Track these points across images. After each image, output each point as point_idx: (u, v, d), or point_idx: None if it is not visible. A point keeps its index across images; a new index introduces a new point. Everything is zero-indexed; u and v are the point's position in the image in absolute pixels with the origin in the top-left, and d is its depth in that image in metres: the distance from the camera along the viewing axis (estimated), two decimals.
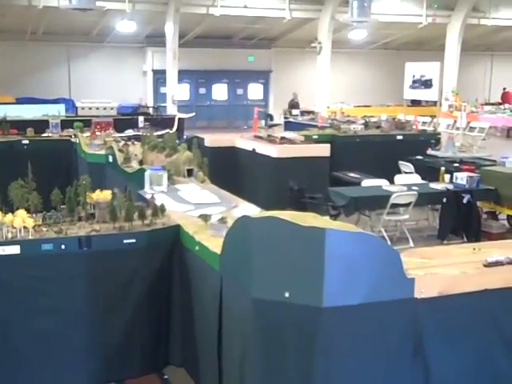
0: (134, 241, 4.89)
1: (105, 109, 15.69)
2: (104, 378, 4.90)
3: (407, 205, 8.55)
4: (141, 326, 4.98)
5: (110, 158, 8.69)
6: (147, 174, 6.70)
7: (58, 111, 14.70)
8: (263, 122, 21.74)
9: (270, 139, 10.83)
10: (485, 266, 3.99)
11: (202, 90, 26.96)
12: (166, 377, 5.08)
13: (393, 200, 8.27)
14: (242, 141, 11.20)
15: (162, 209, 5.39)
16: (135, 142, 9.52)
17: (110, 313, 4.85)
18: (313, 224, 3.58)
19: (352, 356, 3.61)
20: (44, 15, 21.07)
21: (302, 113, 19.22)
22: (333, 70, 24.57)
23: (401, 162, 10.89)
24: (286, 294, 3.59)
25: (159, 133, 11.07)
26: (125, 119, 14.97)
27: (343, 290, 3.52)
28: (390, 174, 9.73)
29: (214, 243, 4.49)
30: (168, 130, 12.62)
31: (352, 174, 10.45)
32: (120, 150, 8.61)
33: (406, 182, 9.30)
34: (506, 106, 26.54)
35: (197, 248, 4.76)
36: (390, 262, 3.62)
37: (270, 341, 3.71)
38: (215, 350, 4.34)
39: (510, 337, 4.03)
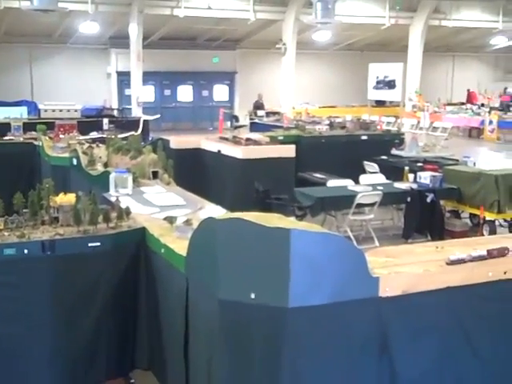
0: (98, 244, 4.84)
1: (68, 111, 15.52)
2: None
3: (372, 204, 8.63)
4: (106, 330, 4.93)
5: (74, 161, 8.60)
6: (112, 176, 6.64)
7: (20, 114, 14.50)
8: (229, 123, 21.72)
9: (236, 140, 10.83)
10: (447, 264, 4.04)
11: (167, 92, 26.87)
12: (132, 381, 5.04)
13: (358, 200, 8.34)
14: (208, 142, 11.18)
15: (127, 211, 5.35)
16: (100, 145, 9.44)
17: (75, 317, 4.78)
18: (278, 225, 3.59)
19: (318, 356, 3.63)
20: (5, 16, 20.78)
21: (268, 114, 19.27)
22: (298, 71, 24.71)
23: (366, 162, 10.98)
24: (252, 295, 3.59)
25: (124, 135, 10.97)
26: (89, 121, 14.83)
27: (309, 290, 3.53)
28: (355, 174, 9.81)
29: (180, 245, 4.47)
30: (133, 132, 12.52)
31: (318, 175, 10.50)
32: (84, 153, 8.53)
33: (370, 181, 9.38)
34: (468, 106, 26.95)
35: (162, 250, 4.73)
36: (355, 262, 3.65)
37: (236, 342, 3.71)
38: (182, 352, 4.33)
39: (473, 333, 4.09)
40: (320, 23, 20.51)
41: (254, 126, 17.53)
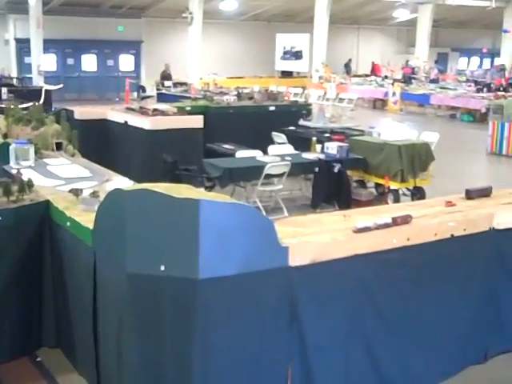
0: None
1: None
2: None
3: (281, 175, 8.68)
4: (9, 308, 4.74)
5: None
6: (12, 147, 6.35)
7: None
8: (135, 93, 21.33)
9: (143, 111, 10.61)
10: (354, 232, 4.12)
11: (70, 61, 25.99)
12: (39, 359, 4.89)
13: (267, 170, 8.37)
14: (114, 113, 10.91)
15: (30, 184, 5.13)
16: None
17: None
18: (187, 195, 3.54)
19: (229, 326, 3.63)
20: None
21: (175, 84, 19.00)
22: (205, 41, 24.47)
23: (274, 133, 11.03)
24: (162, 268, 3.54)
25: (25, 105, 10.53)
26: None
27: (218, 261, 3.51)
28: (263, 144, 9.83)
29: (86, 218, 4.34)
30: (34, 102, 12.03)
31: (226, 146, 10.46)
32: None
33: (279, 152, 9.43)
34: (373, 77, 27.56)
35: (68, 224, 4.58)
36: (264, 232, 3.65)
37: (146, 316, 3.66)
38: (91, 328, 4.23)
39: (379, 298, 4.21)
40: None
41: (162, 97, 17.28)
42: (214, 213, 3.48)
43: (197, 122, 10.09)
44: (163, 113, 10.51)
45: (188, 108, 12.21)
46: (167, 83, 19.06)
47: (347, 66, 31.27)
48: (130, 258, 3.63)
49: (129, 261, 3.63)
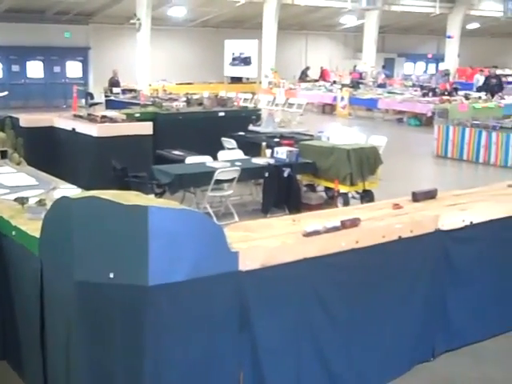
0: None
1: None
2: None
3: (231, 180, 8.70)
4: None
5: None
6: None
7: None
8: (83, 100, 21.07)
9: (91, 118, 10.49)
10: (304, 235, 4.15)
11: (16, 68, 25.47)
12: None
13: (216, 176, 8.37)
14: (61, 120, 10.75)
15: None
16: None
17: None
18: (135, 202, 3.52)
19: (180, 332, 3.62)
20: None
21: (124, 91, 18.85)
22: (154, 48, 24.33)
23: (224, 139, 11.03)
24: (111, 275, 3.50)
25: None
26: None
27: (168, 267, 3.50)
28: (213, 150, 9.82)
29: (33, 227, 4.27)
30: None
31: (176, 152, 10.41)
32: None
33: (229, 157, 9.44)
34: (322, 83, 27.83)
35: (13, 233, 4.50)
36: (214, 237, 3.66)
37: (96, 324, 3.61)
38: (38, 339, 4.15)
39: (328, 301, 4.25)
40: None
41: (110, 104, 17.10)
42: (162, 219, 3.47)
43: (146, 128, 10.03)
44: (112, 120, 10.41)
45: (137, 115, 12.12)
46: (116, 90, 18.90)
47: (304, 73, 31.56)
48: (78, 266, 3.58)
49: (77, 269, 3.59)
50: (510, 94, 22.07)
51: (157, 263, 3.46)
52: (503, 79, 25.71)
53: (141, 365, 3.54)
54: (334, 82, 27.26)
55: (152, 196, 7.68)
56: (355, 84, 25.91)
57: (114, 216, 3.51)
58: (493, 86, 22.78)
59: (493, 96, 20.99)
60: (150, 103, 14.22)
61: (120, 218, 3.49)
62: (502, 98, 20.74)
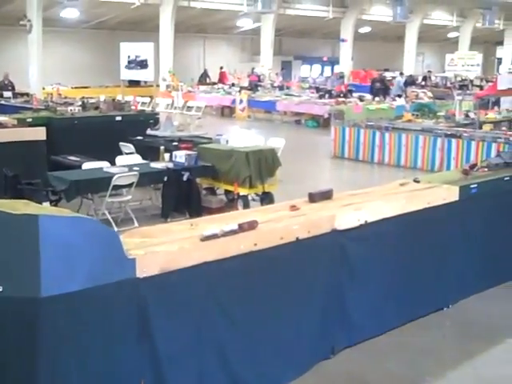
0: None
1: None
2: None
3: (129, 185, 8.56)
4: None
5: None
6: None
7: None
8: None
9: None
10: (202, 240, 4.13)
11: None
12: None
13: (114, 182, 8.21)
14: None
15: None
16: None
17: None
18: (25, 211, 3.39)
19: (77, 343, 3.52)
20: None
21: (16, 95, 18.17)
22: (47, 50, 23.61)
23: (121, 143, 10.84)
24: (0, 288, 3.35)
25: None
26: None
27: (62, 277, 3.39)
28: (111, 155, 9.62)
29: None
30: None
31: (72, 158, 10.13)
32: None
33: (127, 162, 9.28)
34: (220, 85, 27.92)
35: None
36: (110, 244, 3.57)
37: None
38: None
39: (228, 304, 4.25)
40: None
41: (1, 108, 16.43)
42: (54, 228, 3.36)
43: (38, 133, 9.75)
44: (1, 125, 10.06)
45: (29, 119, 11.74)
46: (6, 94, 18.17)
47: (204, 75, 31.53)
48: None
49: None
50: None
51: (50, 273, 3.34)
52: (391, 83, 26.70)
53: (36, 380, 3.41)
54: (233, 85, 27.42)
55: (47, 204, 7.46)
56: (253, 86, 26.17)
57: (2, 226, 3.36)
58: (378, 90, 23.65)
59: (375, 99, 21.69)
60: (44, 108, 13.79)
61: (8, 228, 3.35)
62: (394, 100, 21.49)
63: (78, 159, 9.94)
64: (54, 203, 8.02)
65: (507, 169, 6.99)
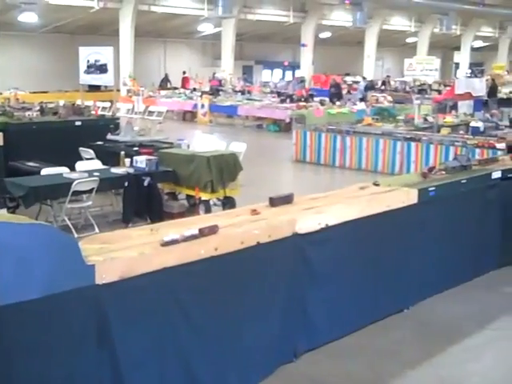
0: None
1: None
2: None
3: (90, 191, 8.47)
4: None
5: None
6: None
7: None
8: None
9: None
10: (162, 245, 4.11)
11: None
12: None
13: (74, 187, 8.11)
14: None
15: None
16: None
17: None
18: None
19: (35, 353, 3.46)
20: None
21: None
22: (3, 54, 23.31)
23: (81, 149, 10.72)
24: None
25: None
26: None
27: (19, 286, 3.33)
28: (71, 161, 9.49)
29: None
30: None
31: (30, 163, 9.97)
32: None
33: (87, 168, 9.18)
34: (182, 90, 27.82)
35: None
36: (67, 251, 3.53)
37: None
38: None
39: (190, 308, 4.23)
40: (24, 3, 19.51)
41: None
42: (10, 235, 3.30)
43: None
44: None
45: None
46: None
47: (165, 80, 31.36)
48: None
49: None
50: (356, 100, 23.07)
51: (6, 282, 3.28)
52: (354, 86, 26.98)
53: None
54: (194, 90, 27.36)
55: (4, 211, 7.34)
56: (215, 91, 26.14)
57: None
58: (332, 94, 24.02)
59: (333, 104, 21.88)
60: (0, 113, 13.55)
61: None
62: (355, 104, 21.68)
63: (36, 165, 9.79)
64: (12, 210, 7.89)
65: (464, 172, 7.11)
